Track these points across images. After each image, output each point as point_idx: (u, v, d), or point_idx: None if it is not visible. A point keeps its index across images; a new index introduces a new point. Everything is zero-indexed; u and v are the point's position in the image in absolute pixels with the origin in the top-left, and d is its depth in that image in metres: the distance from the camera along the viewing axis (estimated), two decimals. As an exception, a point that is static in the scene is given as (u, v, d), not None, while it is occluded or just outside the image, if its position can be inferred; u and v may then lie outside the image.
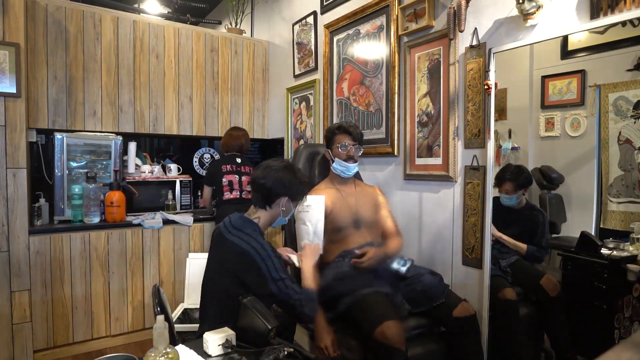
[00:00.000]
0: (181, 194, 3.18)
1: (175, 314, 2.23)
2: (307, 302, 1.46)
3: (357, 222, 1.90)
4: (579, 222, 1.96)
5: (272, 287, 1.43)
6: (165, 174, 3.25)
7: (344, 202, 1.92)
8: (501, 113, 2.00)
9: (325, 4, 2.92)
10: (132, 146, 3.08)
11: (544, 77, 1.97)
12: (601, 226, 1.87)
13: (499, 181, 1.97)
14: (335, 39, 2.82)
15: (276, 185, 1.53)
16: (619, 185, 1.77)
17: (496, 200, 1.95)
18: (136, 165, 3.13)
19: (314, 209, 1.84)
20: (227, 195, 2.84)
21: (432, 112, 2.15)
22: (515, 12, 1.71)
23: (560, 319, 1.87)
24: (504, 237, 1.97)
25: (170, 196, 3.08)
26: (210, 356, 1.17)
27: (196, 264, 2.36)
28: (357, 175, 2.22)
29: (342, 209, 1.90)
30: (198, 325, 1.61)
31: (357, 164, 1.96)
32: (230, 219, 1.56)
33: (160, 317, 0.94)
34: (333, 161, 1.96)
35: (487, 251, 1.86)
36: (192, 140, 3.65)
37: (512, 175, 1.96)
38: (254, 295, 1.39)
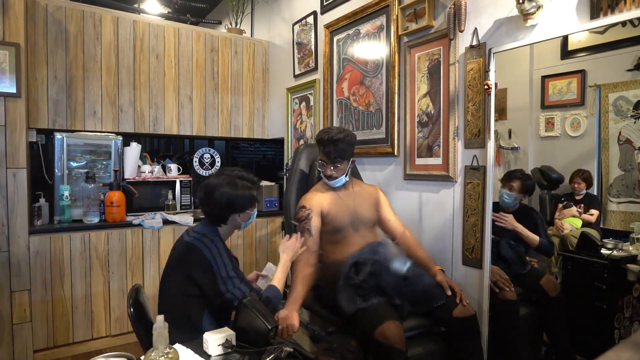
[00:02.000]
0: (181, 194, 3.18)
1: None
2: (264, 301, 1.46)
3: (355, 223, 1.90)
4: (579, 222, 1.96)
5: (220, 285, 1.43)
6: (165, 174, 3.25)
7: (341, 204, 1.90)
8: (501, 113, 2.01)
9: (325, 4, 2.92)
10: (134, 147, 3.07)
11: (544, 77, 1.97)
12: (601, 226, 1.87)
13: (508, 178, 1.97)
14: (335, 39, 2.82)
15: (222, 208, 1.53)
16: (619, 185, 1.78)
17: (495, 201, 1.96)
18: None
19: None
20: None
21: (432, 112, 2.15)
22: (515, 12, 1.71)
23: (560, 319, 1.87)
24: (519, 227, 1.95)
25: (170, 196, 3.08)
26: (210, 356, 1.17)
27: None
28: (356, 175, 2.22)
29: (339, 211, 1.88)
30: None
31: (340, 179, 1.88)
32: (194, 227, 1.60)
33: (160, 317, 0.94)
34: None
35: (487, 251, 1.86)
36: (192, 140, 3.65)
37: (523, 176, 1.96)
38: (204, 294, 1.45)
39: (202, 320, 1.47)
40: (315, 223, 1.84)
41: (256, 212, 1.69)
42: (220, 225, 1.58)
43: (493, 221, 1.88)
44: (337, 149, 1.82)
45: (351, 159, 1.91)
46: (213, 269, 1.44)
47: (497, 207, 1.98)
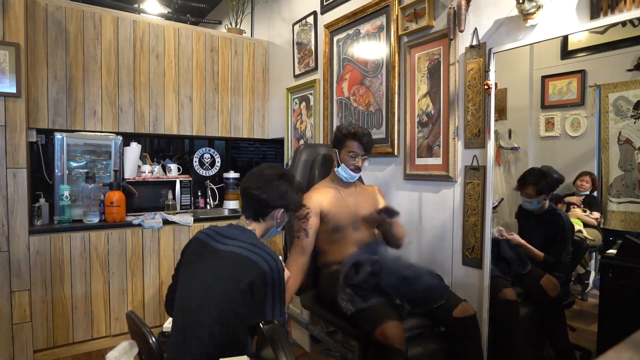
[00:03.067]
0: (181, 194, 3.18)
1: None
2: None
3: (355, 222, 1.90)
4: (579, 222, 1.96)
5: (267, 311, 1.26)
6: (165, 174, 3.25)
7: (342, 203, 1.91)
8: (501, 113, 2.01)
9: (325, 4, 2.92)
10: (134, 147, 3.08)
11: (544, 77, 1.97)
12: (601, 226, 1.87)
13: (521, 184, 1.95)
14: (335, 39, 2.82)
15: (272, 197, 1.41)
16: (619, 185, 1.78)
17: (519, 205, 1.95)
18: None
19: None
20: None
21: (432, 112, 2.15)
22: (515, 12, 1.71)
23: (560, 319, 1.86)
24: (522, 241, 1.96)
25: (170, 196, 3.08)
26: None
27: (196, 264, 2.35)
28: None
29: (340, 209, 1.89)
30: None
31: (359, 172, 1.97)
32: (215, 229, 1.40)
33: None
34: (339, 165, 1.94)
35: (487, 251, 1.86)
36: (192, 140, 3.65)
37: (534, 179, 1.93)
38: (239, 320, 1.25)
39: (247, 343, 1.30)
40: (313, 223, 1.85)
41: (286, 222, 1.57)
42: (259, 220, 1.44)
43: (498, 241, 1.87)
44: (371, 142, 1.94)
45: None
46: (267, 294, 1.26)
47: (524, 212, 1.97)
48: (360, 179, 2.25)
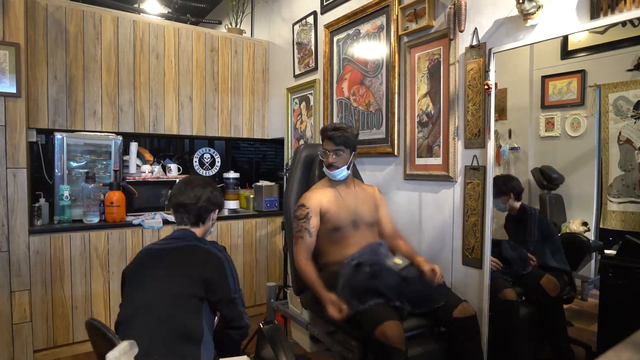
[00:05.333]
0: (181, 194, 3.18)
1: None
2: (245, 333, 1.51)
3: (355, 222, 1.89)
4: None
5: (231, 287, 1.46)
6: (165, 174, 3.25)
7: (342, 202, 1.90)
8: (501, 113, 2.00)
9: (325, 4, 2.92)
10: (134, 146, 3.08)
11: (544, 77, 1.97)
12: (601, 226, 1.87)
13: (494, 194, 1.97)
14: (335, 39, 2.82)
15: (209, 202, 1.60)
16: (619, 185, 1.77)
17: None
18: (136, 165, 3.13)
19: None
20: None
21: (432, 112, 2.15)
22: (515, 12, 1.71)
23: (560, 319, 1.86)
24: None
25: (170, 196, 3.08)
26: None
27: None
28: (356, 176, 2.22)
29: (340, 209, 1.88)
30: None
31: (342, 169, 1.90)
32: (172, 236, 1.58)
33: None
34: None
35: (487, 251, 1.86)
36: (192, 140, 3.65)
37: (496, 183, 1.94)
38: (210, 296, 1.41)
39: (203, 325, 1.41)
40: (314, 223, 1.84)
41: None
42: (199, 225, 1.61)
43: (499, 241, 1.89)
44: (340, 135, 1.86)
45: (353, 153, 1.93)
46: (230, 285, 1.46)
47: (507, 219, 2.02)
48: (360, 178, 2.25)
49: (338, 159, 1.88)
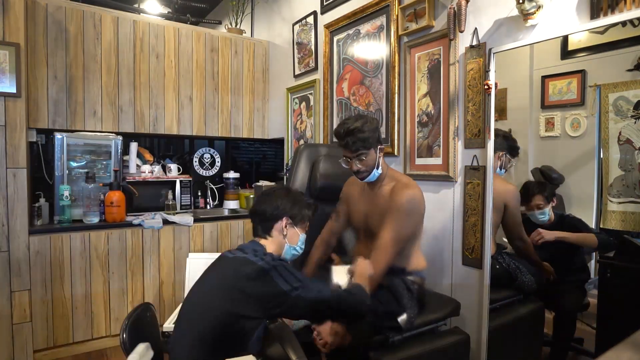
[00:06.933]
0: (181, 194, 3.18)
1: (173, 316, 2.20)
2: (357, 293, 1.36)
3: (361, 232, 1.81)
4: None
5: (280, 287, 1.25)
6: (165, 174, 3.25)
7: (359, 203, 1.77)
8: (501, 113, 2.00)
9: (325, 4, 2.92)
10: (134, 146, 3.08)
11: (544, 77, 1.97)
12: (601, 226, 1.87)
13: (527, 197, 1.89)
14: (335, 39, 2.82)
15: (269, 208, 1.46)
16: (619, 185, 1.77)
17: (526, 220, 1.89)
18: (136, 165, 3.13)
19: None
20: None
21: (432, 112, 2.15)
22: (515, 12, 1.71)
23: (570, 328, 1.85)
24: (562, 233, 1.83)
25: (170, 196, 3.08)
26: None
27: (196, 264, 2.35)
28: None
29: (355, 211, 1.80)
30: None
31: (372, 173, 1.65)
32: (236, 248, 1.45)
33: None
34: None
35: (487, 251, 1.86)
36: (192, 140, 3.65)
37: (539, 188, 1.87)
38: (234, 318, 1.24)
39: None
40: (340, 209, 1.90)
41: (304, 239, 1.54)
42: (266, 237, 1.47)
43: (537, 244, 1.82)
44: (357, 139, 1.58)
45: (379, 148, 1.65)
46: (280, 286, 1.26)
47: (531, 227, 1.89)
48: (394, 178, 1.77)
49: (362, 164, 1.62)
